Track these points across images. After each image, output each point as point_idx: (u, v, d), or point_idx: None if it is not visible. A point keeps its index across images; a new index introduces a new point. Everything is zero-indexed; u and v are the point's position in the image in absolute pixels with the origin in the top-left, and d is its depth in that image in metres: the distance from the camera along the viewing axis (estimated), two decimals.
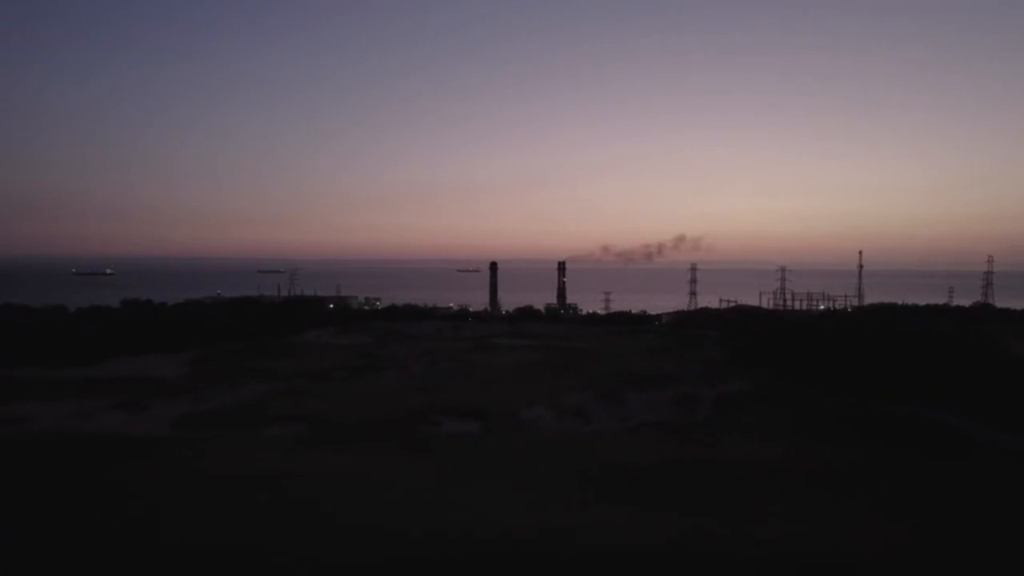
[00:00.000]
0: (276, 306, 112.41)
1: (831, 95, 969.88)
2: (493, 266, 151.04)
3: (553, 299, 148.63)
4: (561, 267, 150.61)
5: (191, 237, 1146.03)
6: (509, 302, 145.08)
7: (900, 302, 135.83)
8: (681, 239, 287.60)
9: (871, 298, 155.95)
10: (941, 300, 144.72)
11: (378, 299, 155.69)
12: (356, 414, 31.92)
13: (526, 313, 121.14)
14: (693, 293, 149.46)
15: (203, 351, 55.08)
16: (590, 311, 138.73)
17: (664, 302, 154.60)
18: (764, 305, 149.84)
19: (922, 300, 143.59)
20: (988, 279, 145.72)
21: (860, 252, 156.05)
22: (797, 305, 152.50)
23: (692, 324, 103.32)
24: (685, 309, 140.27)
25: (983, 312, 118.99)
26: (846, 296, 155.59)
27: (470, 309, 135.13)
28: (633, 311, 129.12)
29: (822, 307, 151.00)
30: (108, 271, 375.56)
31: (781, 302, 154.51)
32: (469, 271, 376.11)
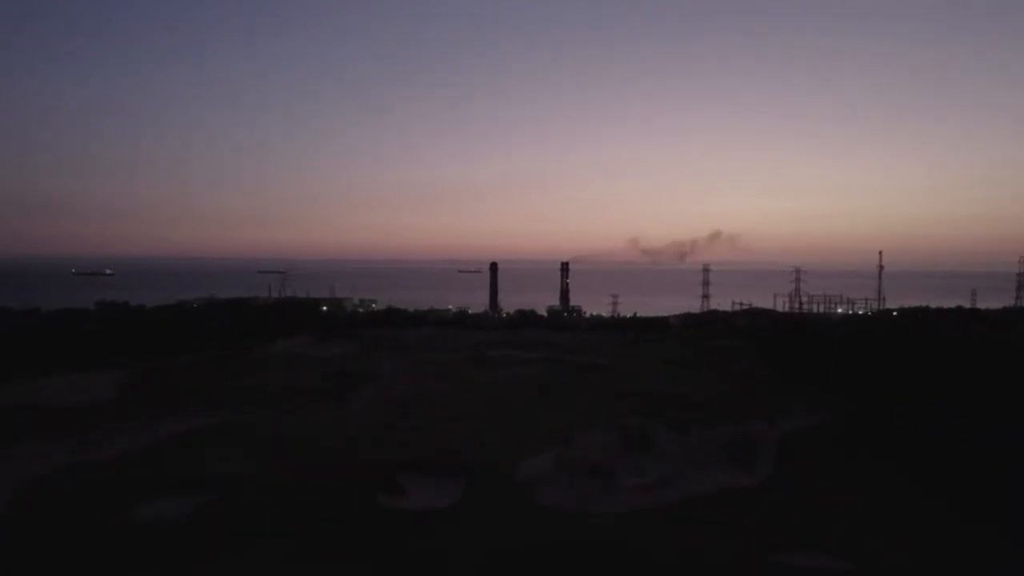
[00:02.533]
0: (262, 310, 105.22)
1: (831, 95, 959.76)
2: (493, 267, 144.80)
3: (555, 300, 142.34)
4: (564, 268, 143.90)
5: (191, 237, 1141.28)
6: (510, 303, 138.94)
7: (929, 305, 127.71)
8: (717, 235, 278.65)
9: (889, 301, 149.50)
10: (954, 302, 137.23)
11: (374, 301, 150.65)
12: (291, 473, 23.22)
13: (527, 318, 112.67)
14: (706, 296, 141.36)
15: (143, 368, 46.41)
16: (594, 313, 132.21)
17: (671, 303, 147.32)
18: (778, 308, 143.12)
19: (929, 301, 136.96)
20: (1021, 280, 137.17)
21: (880, 253, 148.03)
22: (814, 308, 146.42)
23: (707, 328, 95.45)
24: (694, 312, 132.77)
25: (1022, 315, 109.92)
26: (867, 299, 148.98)
27: (469, 311, 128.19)
28: (638, 313, 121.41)
29: (840, 310, 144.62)
30: (108, 271, 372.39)
31: (797, 305, 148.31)
32: (470, 271, 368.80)
